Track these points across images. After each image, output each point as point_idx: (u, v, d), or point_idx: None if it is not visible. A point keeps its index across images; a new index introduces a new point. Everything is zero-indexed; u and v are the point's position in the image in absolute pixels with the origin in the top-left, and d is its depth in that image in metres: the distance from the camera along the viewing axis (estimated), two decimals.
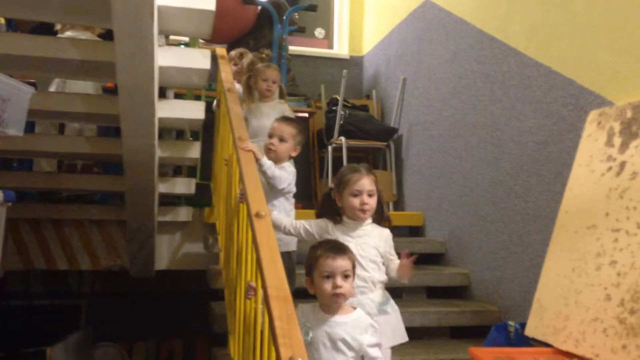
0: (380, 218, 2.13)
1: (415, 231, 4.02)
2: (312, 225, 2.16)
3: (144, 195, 3.02)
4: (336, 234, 2.05)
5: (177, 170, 3.87)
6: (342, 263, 1.71)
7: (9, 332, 4.60)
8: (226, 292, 2.60)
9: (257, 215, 1.82)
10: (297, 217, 2.43)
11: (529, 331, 2.25)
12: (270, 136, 2.55)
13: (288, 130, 2.53)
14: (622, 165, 2.07)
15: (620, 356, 1.78)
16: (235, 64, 3.88)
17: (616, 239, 1.98)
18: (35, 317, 5.01)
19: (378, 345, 1.73)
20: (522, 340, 2.29)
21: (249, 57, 3.76)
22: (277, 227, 2.17)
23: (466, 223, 3.41)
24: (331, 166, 4.35)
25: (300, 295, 2.26)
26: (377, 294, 2.00)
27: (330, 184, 2.18)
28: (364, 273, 1.97)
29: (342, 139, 4.30)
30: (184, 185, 3.48)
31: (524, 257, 2.80)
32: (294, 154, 2.58)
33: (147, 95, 2.31)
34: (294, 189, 2.57)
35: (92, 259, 3.65)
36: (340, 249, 1.75)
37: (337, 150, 4.36)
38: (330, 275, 1.70)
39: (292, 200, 2.61)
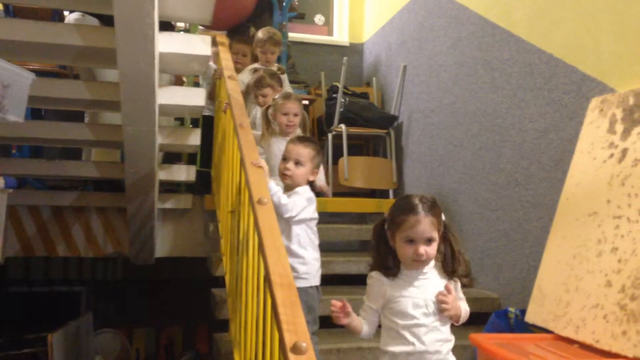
0: (449, 270, 1.69)
1: None
2: (368, 311, 1.70)
3: (144, 182, 3.02)
4: (394, 292, 1.65)
5: (177, 157, 3.87)
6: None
7: (9, 318, 4.62)
8: (227, 278, 2.61)
9: (260, 202, 1.82)
10: None
11: (529, 317, 2.26)
12: (285, 159, 2.27)
13: (305, 153, 2.25)
14: (624, 152, 2.07)
15: (620, 342, 1.79)
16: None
17: (617, 226, 1.98)
18: (35, 303, 5.03)
19: None
20: (522, 327, 2.30)
21: (259, 73, 3.30)
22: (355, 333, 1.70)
23: (466, 211, 3.41)
24: (331, 154, 4.35)
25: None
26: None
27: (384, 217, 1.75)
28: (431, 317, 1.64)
29: (343, 126, 4.29)
30: (184, 173, 3.47)
31: (524, 244, 2.81)
32: (312, 178, 2.30)
33: (147, 81, 2.30)
34: (314, 215, 2.26)
35: (92, 246, 3.65)
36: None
37: (338, 137, 4.35)
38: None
39: (315, 230, 2.30)
